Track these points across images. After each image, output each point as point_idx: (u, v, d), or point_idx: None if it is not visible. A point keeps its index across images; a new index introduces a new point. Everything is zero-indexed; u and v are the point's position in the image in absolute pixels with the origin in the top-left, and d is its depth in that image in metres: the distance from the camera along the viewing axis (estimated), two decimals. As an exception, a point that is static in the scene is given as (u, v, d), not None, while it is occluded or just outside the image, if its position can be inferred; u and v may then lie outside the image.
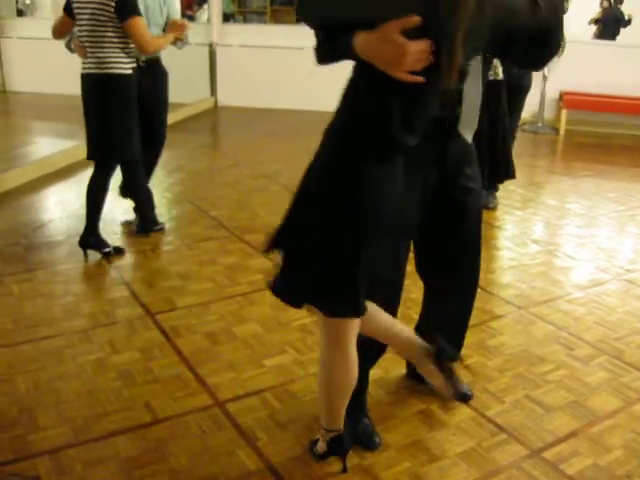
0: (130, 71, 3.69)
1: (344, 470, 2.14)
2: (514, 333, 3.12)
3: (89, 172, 3.91)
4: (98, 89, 3.68)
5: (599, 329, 3.19)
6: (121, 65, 3.64)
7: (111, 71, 3.62)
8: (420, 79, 1.57)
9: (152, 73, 4.13)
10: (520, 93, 4.99)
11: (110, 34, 3.56)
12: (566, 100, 8.31)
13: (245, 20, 13.21)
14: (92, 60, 3.63)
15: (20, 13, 10.69)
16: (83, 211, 3.92)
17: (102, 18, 3.52)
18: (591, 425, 2.45)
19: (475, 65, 1.79)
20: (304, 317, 3.19)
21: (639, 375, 2.78)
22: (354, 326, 1.94)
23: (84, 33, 3.61)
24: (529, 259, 4.08)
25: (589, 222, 4.84)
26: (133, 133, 3.81)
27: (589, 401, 2.60)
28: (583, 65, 8.13)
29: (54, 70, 8.06)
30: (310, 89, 8.71)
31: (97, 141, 3.78)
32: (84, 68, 3.69)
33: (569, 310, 3.38)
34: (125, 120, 3.74)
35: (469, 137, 2.00)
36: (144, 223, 4.27)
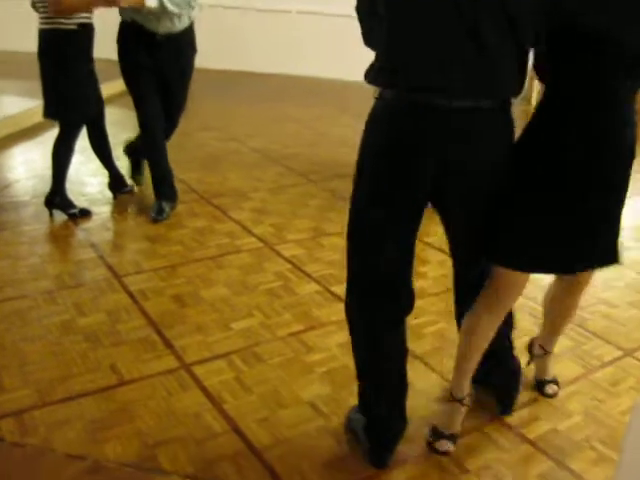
0: (74, 27, 3.52)
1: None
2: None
3: (55, 132, 3.82)
4: (42, 44, 3.60)
5: (563, 297, 3.22)
6: (62, 20, 3.49)
7: (53, 26, 3.51)
8: None
9: (173, 48, 3.78)
10: None
11: None
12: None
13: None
14: (41, 15, 3.55)
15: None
16: (49, 171, 3.84)
17: None
18: (552, 391, 2.50)
19: None
20: (271, 281, 3.20)
21: (601, 343, 2.84)
22: None
23: None
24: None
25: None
26: (80, 94, 3.67)
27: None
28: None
29: (15, 26, 7.82)
30: (293, 52, 8.56)
31: (45, 99, 3.70)
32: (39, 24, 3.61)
33: (534, 279, 3.41)
34: (70, 78, 3.60)
35: None
36: (112, 182, 4.20)
